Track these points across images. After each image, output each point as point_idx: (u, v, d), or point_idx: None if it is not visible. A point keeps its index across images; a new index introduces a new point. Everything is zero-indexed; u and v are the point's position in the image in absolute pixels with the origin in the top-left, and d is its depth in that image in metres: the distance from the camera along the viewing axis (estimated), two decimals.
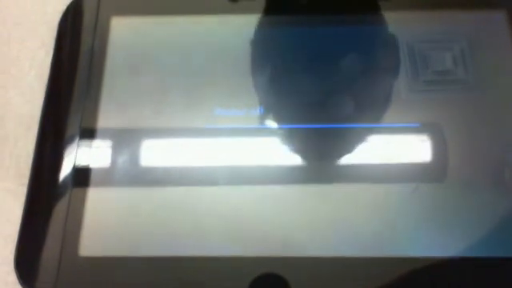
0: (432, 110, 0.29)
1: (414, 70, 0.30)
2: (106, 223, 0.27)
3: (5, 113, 0.31)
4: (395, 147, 0.29)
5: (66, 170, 0.28)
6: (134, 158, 0.29)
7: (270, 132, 0.29)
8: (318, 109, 0.30)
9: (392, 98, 0.30)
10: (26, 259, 0.27)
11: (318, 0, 0.32)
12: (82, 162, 0.29)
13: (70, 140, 0.29)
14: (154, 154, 0.29)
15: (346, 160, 0.28)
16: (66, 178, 0.28)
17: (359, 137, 0.29)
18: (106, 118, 0.29)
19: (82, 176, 0.28)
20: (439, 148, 0.29)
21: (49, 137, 0.29)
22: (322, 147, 0.29)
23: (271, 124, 0.29)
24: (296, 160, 0.29)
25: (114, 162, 0.28)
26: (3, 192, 0.29)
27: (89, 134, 0.29)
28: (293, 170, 0.28)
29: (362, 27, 0.32)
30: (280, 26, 0.32)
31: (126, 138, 0.29)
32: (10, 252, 0.27)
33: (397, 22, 0.32)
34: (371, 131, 0.29)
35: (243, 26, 0.32)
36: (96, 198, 0.28)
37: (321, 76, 0.30)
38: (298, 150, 0.29)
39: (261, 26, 0.32)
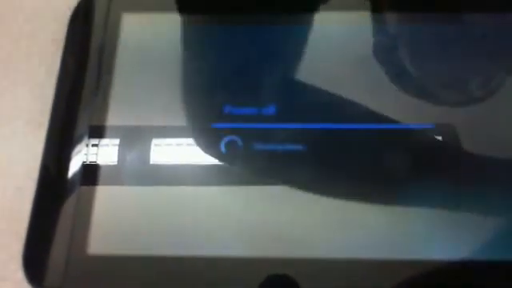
0: (446, 110, 0.29)
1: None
2: (114, 221, 0.27)
3: (15, 109, 0.31)
4: (406, 148, 0.29)
5: (74, 168, 0.29)
6: (143, 157, 0.29)
7: (278, 131, 0.29)
8: (327, 108, 0.30)
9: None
10: (35, 257, 0.27)
11: None
12: (90, 159, 0.29)
13: (79, 138, 0.29)
14: (163, 152, 0.29)
15: (356, 161, 0.28)
16: (74, 176, 0.28)
17: (368, 137, 0.29)
18: (115, 116, 0.30)
19: (90, 174, 0.28)
20: (452, 149, 0.28)
21: (58, 134, 0.29)
22: (330, 147, 0.29)
23: (281, 123, 0.29)
24: (305, 160, 0.28)
25: (122, 160, 0.29)
26: (13, 189, 0.29)
27: (98, 131, 0.29)
28: (302, 170, 0.28)
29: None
30: (294, 23, 0.32)
31: (135, 136, 0.29)
32: (18, 250, 0.27)
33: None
34: (381, 132, 0.29)
35: (254, 23, 0.32)
36: (104, 196, 0.28)
37: (327, 76, 0.30)
38: (306, 150, 0.29)
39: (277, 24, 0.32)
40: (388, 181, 0.28)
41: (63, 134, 0.29)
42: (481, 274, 0.26)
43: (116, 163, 0.29)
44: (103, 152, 0.29)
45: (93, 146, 0.29)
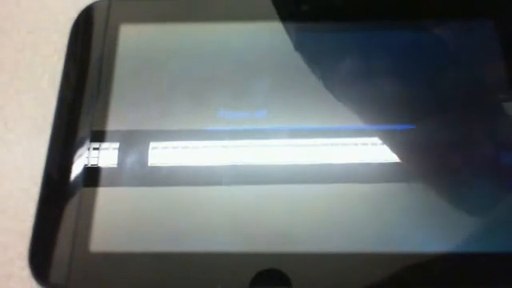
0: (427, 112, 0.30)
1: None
2: (115, 221, 0.28)
3: (19, 116, 0.31)
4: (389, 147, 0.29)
5: (76, 171, 0.29)
6: (141, 159, 0.29)
7: (272, 133, 0.30)
8: (319, 111, 0.30)
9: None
10: (40, 255, 0.27)
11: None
12: (91, 162, 0.29)
13: (81, 142, 0.30)
14: (161, 155, 0.29)
15: (347, 160, 0.29)
16: (77, 178, 0.29)
17: (359, 138, 0.29)
18: (114, 121, 0.30)
19: (92, 176, 0.29)
20: (433, 147, 0.29)
21: (61, 139, 0.30)
22: (323, 148, 0.29)
23: (274, 126, 0.30)
24: (297, 159, 0.29)
25: (122, 162, 0.29)
26: (18, 191, 0.30)
27: (99, 136, 0.30)
28: (294, 169, 0.29)
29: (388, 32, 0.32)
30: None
31: (134, 140, 0.30)
32: (24, 248, 0.28)
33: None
34: (368, 133, 0.30)
35: (249, 32, 0.33)
36: (106, 197, 0.28)
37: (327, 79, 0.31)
38: (298, 151, 0.29)
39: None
40: (377, 177, 0.28)
41: (66, 138, 0.30)
42: (471, 266, 0.26)
43: (116, 166, 0.29)
44: (104, 155, 0.29)
45: (94, 149, 0.29)
